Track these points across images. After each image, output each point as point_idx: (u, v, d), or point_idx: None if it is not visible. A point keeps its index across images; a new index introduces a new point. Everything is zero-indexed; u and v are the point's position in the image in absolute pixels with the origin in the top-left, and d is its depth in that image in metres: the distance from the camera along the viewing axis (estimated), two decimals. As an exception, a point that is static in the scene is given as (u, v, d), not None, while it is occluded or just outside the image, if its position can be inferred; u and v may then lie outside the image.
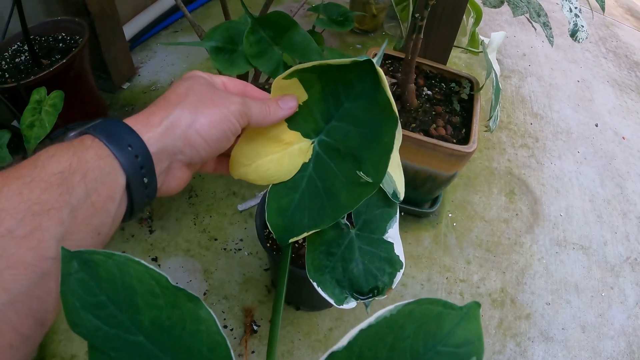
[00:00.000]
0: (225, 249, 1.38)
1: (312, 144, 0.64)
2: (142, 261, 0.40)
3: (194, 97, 0.52)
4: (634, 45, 2.72)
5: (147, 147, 0.47)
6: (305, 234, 0.62)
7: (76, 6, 1.59)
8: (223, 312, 1.25)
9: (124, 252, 1.16)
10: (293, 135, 0.63)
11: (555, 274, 1.50)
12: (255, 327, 1.24)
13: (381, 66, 1.44)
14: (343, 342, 0.42)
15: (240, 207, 1.47)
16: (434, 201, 1.53)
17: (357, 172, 0.60)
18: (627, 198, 1.79)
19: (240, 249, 1.38)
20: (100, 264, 0.39)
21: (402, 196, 0.77)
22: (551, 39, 1.18)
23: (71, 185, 0.41)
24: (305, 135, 0.63)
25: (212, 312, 0.42)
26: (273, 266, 1.26)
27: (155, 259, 1.33)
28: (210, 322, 0.42)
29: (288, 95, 0.61)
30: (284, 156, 0.64)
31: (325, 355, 0.42)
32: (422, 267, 1.43)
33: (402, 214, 1.53)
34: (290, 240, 0.63)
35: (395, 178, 0.77)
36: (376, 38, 2.32)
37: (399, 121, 0.57)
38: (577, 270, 1.52)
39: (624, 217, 1.72)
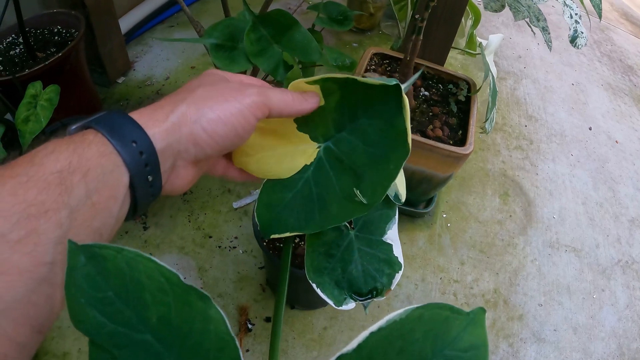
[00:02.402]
0: (219, 246, 1.38)
1: (317, 148, 0.63)
2: (153, 257, 0.39)
3: (204, 91, 0.50)
4: (628, 49, 2.74)
5: (153, 143, 0.44)
6: (287, 234, 0.63)
7: (72, -1, 1.58)
8: (217, 310, 1.25)
9: (121, 248, 1.12)
10: (301, 136, 0.63)
11: (548, 275, 1.51)
12: (249, 326, 1.23)
13: (379, 66, 1.45)
14: (353, 344, 0.41)
15: (236, 205, 1.47)
16: (429, 202, 1.54)
17: (354, 189, 0.60)
18: (619, 201, 1.80)
19: (235, 247, 1.38)
20: (109, 258, 0.38)
21: (403, 198, 0.78)
22: (549, 43, 1.18)
23: (70, 185, 0.38)
24: (314, 138, 0.63)
25: (222, 311, 0.41)
26: (268, 265, 1.26)
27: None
28: (220, 322, 0.40)
29: (311, 91, 0.59)
30: (286, 154, 0.64)
31: (334, 357, 0.41)
32: (416, 267, 1.44)
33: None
34: (272, 236, 0.64)
35: (397, 180, 0.78)
36: (373, 37, 2.32)
37: (409, 153, 0.57)
38: (569, 272, 1.53)
39: (615, 220, 1.73)
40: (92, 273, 0.37)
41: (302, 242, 1.12)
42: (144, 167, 0.44)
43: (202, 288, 1.25)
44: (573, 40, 1.11)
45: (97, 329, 0.37)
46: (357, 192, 0.59)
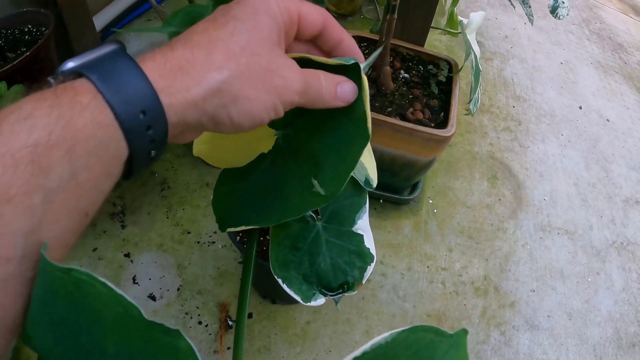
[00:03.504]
0: (198, 242, 1.34)
1: (275, 135, 0.59)
2: (108, 282, 0.33)
3: (247, 65, 0.40)
4: (618, 27, 2.69)
5: (167, 116, 0.36)
6: (243, 228, 0.58)
7: (43, -4, 1.54)
8: (197, 308, 1.21)
9: (96, 249, 1.11)
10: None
11: (540, 260, 1.47)
12: (230, 322, 1.20)
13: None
14: None
15: (214, 199, 1.43)
16: (414, 187, 1.49)
17: (313, 179, 0.55)
18: (613, 181, 1.76)
19: (214, 242, 1.34)
20: (55, 280, 0.32)
21: (374, 183, 0.73)
22: (531, 17, 1.14)
23: (48, 163, 0.30)
24: (271, 125, 0.58)
25: (192, 344, 0.35)
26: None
27: (127, 255, 1.28)
28: (190, 355, 0.35)
29: (348, 81, 0.49)
30: (243, 142, 0.60)
31: None
32: (402, 256, 1.39)
33: (381, 201, 1.49)
34: (228, 230, 0.59)
35: (367, 164, 0.73)
36: (354, 22, 2.27)
37: (370, 139, 0.51)
38: (563, 256, 1.49)
39: (609, 200, 1.69)
40: (41, 290, 0.32)
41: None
42: (150, 142, 0.36)
43: (181, 285, 1.22)
44: (554, 10, 1.06)
45: (48, 349, 0.33)
46: (315, 183, 0.54)
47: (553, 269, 1.45)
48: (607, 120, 2.02)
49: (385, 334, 0.40)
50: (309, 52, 0.52)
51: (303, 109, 0.55)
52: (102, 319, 0.34)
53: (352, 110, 0.52)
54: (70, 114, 0.32)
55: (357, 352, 0.39)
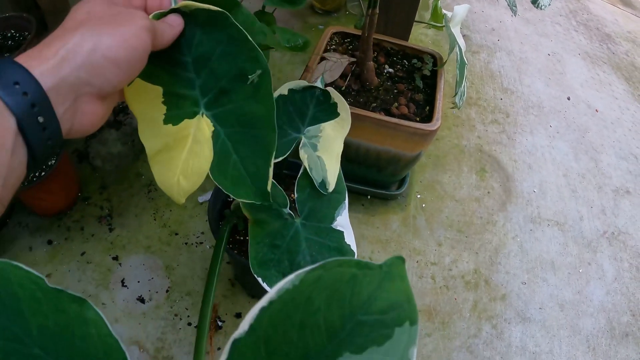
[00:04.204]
0: (186, 243, 1.33)
1: (202, 115, 0.59)
2: (21, 265, 0.36)
3: (95, 19, 0.47)
4: (605, 17, 2.69)
5: (39, 82, 0.41)
6: (270, 171, 0.59)
7: (26, 2, 1.52)
8: (187, 309, 1.20)
9: (84, 252, 1.09)
10: (183, 126, 0.59)
11: (531, 252, 1.46)
12: (219, 323, 1.19)
13: (339, 45, 1.39)
14: (244, 326, 0.35)
15: (201, 199, 1.42)
16: (401, 182, 1.48)
17: (247, 83, 0.58)
18: (602, 171, 1.75)
19: (201, 242, 1.33)
20: None
21: (331, 187, 0.73)
22: (514, 7, 1.13)
23: None
24: (190, 115, 0.59)
25: (100, 312, 0.37)
26: (233, 260, 1.21)
27: (116, 258, 1.27)
28: (100, 324, 0.37)
29: (170, 15, 0.56)
30: (193, 146, 0.59)
31: (228, 344, 0.35)
32: (390, 251, 1.38)
33: (369, 197, 1.48)
34: (269, 188, 0.60)
35: (329, 166, 0.73)
36: (339, 18, 2.26)
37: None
38: (553, 247, 1.48)
39: (599, 190, 1.68)
40: None
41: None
42: (31, 108, 0.41)
43: (170, 287, 1.21)
44: (535, 0, 1.05)
45: None
46: (250, 77, 0.58)
47: (544, 260, 1.44)
48: (596, 110, 2.02)
49: (291, 276, 0.35)
50: None
51: (191, 78, 0.58)
52: (21, 301, 0.35)
53: (232, 36, 0.58)
54: None
55: (264, 302, 0.35)
